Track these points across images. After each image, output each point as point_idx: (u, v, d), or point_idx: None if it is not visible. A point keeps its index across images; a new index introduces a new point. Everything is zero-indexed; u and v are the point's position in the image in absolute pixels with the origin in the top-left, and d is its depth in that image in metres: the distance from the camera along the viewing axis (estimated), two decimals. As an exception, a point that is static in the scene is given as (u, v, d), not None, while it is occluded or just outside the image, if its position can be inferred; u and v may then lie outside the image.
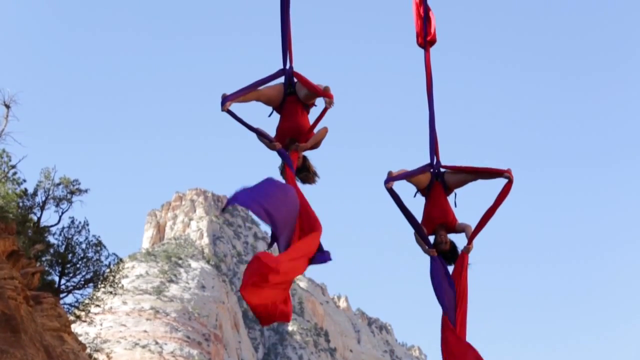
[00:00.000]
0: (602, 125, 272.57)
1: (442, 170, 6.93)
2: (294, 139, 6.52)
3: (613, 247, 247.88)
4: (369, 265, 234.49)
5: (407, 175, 6.86)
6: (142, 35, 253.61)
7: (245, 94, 6.62)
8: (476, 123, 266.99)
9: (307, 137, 6.58)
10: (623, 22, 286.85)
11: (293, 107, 6.67)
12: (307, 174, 6.56)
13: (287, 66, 6.75)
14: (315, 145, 6.66)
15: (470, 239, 6.73)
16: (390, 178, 6.73)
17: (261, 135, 6.56)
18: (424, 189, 6.97)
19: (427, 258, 6.80)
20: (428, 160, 6.92)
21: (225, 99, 6.49)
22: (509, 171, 6.78)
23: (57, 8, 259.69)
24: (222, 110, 6.47)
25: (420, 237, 6.79)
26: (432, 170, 6.92)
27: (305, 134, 6.58)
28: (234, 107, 6.59)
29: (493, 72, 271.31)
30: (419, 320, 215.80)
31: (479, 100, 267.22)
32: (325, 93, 6.57)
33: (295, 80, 6.74)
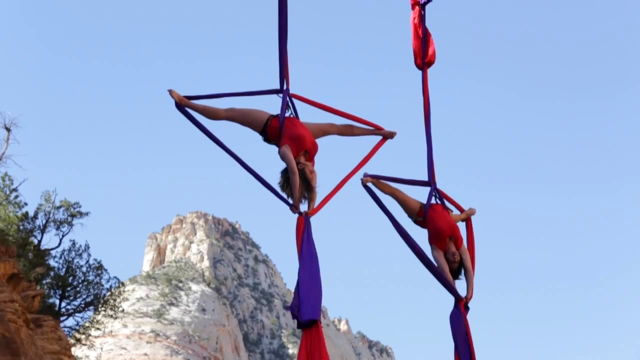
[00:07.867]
0: (597, 153, 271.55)
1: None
2: (307, 152, 6.18)
3: (609, 275, 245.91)
4: (369, 288, 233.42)
5: (391, 179, 6.82)
6: (140, 59, 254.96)
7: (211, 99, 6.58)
8: (473, 144, 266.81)
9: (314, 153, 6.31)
10: (624, 49, 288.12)
11: (300, 124, 6.34)
12: (308, 193, 6.08)
13: (285, 87, 6.44)
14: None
15: (471, 288, 6.50)
16: (368, 174, 6.72)
17: (276, 194, 6.17)
18: (420, 212, 6.84)
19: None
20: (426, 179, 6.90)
21: (186, 98, 6.47)
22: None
23: (59, 32, 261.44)
24: (177, 105, 6.46)
25: (415, 253, 6.55)
26: (430, 189, 6.85)
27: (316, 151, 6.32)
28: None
29: (491, 93, 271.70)
30: (419, 344, 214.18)
31: (476, 122, 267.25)
32: (381, 128, 6.71)
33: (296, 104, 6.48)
